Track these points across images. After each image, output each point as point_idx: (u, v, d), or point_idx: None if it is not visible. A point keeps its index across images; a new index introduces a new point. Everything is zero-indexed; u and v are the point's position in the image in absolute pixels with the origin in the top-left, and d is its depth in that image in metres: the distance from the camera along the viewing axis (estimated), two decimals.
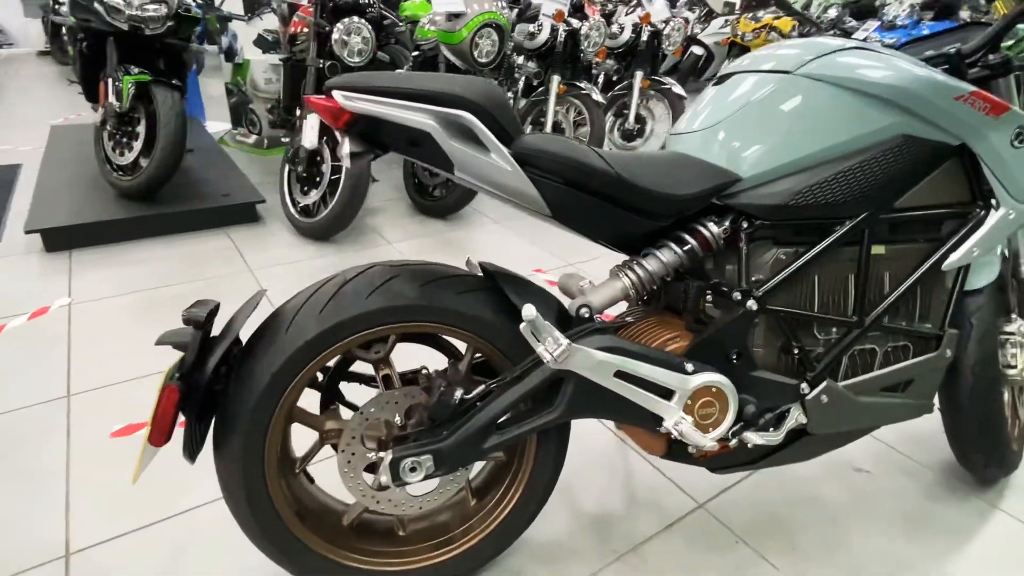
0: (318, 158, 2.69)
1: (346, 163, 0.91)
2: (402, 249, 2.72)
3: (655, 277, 1.04)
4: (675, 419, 1.02)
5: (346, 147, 0.88)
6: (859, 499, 1.43)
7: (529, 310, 0.89)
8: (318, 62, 2.66)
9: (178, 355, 0.90)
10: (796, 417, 1.11)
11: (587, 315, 1.00)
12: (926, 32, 5.80)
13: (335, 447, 1.05)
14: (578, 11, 3.55)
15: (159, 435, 0.88)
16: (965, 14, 6.22)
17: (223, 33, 3.82)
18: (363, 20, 2.61)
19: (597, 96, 3.31)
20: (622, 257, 2.85)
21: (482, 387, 0.99)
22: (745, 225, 1.04)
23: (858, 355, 1.15)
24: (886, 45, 1.34)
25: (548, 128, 3.38)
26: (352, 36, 2.60)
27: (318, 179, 2.69)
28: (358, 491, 1.03)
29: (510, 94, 3.82)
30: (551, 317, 0.99)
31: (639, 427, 1.06)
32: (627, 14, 3.83)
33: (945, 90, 1.01)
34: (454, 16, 2.86)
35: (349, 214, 2.61)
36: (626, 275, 1.04)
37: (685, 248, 1.03)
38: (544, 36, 3.55)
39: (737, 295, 1.03)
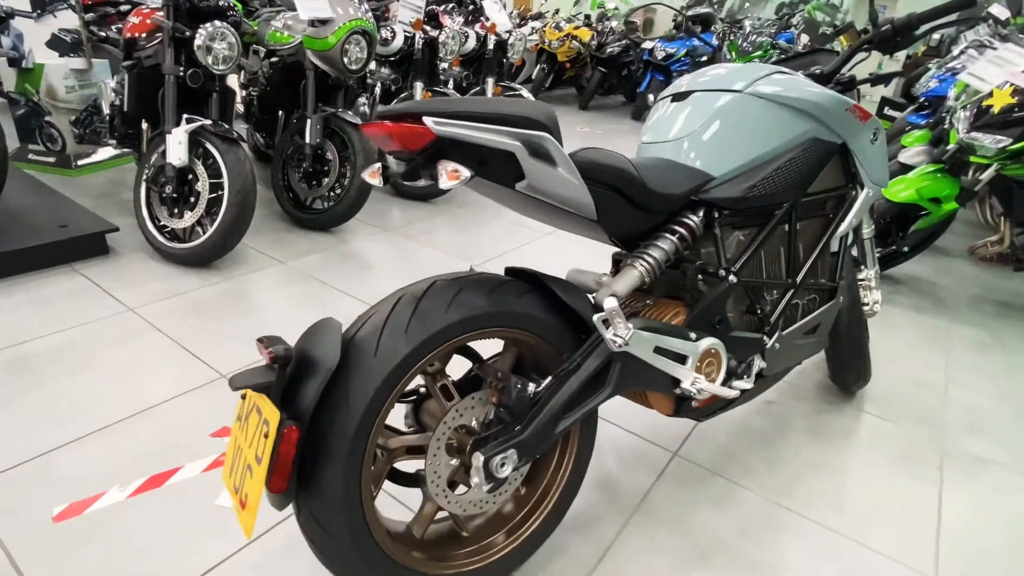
0: (190, 176, 2.42)
1: (446, 185, 0.92)
2: (299, 267, 2.58)
3: (660, 263, 1.23)
4: (691, 378, 1.23)
5: (464, 171, 0.91)
6: (776, 423, 1.81)
7: (612, 302, 1.03)
8: (177, 70, 2.39)
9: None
10: (758, 364, 1.40)
11: (609, 304, 1.15)
12: (697, 44, 6.87)
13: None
14: (432, 20, 3.62)
15: (282, 479, 0.84)
16: (718, 27, 7.55)
17: (3, 32, 3.17)
18: (227, 25, 2.40)
19: None
20: (507, 255, 3.02)
21: (549, 379, 1.09)
22: (716, 215, 1.29)
23: (790, 309, 1.47)
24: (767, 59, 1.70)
25: None
26: (217, 42, 2.39)
27: (192, 199, 2.43)
28: (443, 498, 1.07)
29: (364, 99, 3.75)
30: (586, 307, 1.13)
31: (661, 392, 1.25)
32: (473, 24, 3.99)
33: (841, 103, 1.36)
34: (319, 22, 2.77)
35: (237, 234, 2.41)
36: (640, 264, 1.21)
37: (677, 237, 1.24)
38: (399, 43, 3.56)
39: (721, 272, 1.27)
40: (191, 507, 1.34)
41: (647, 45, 6.75)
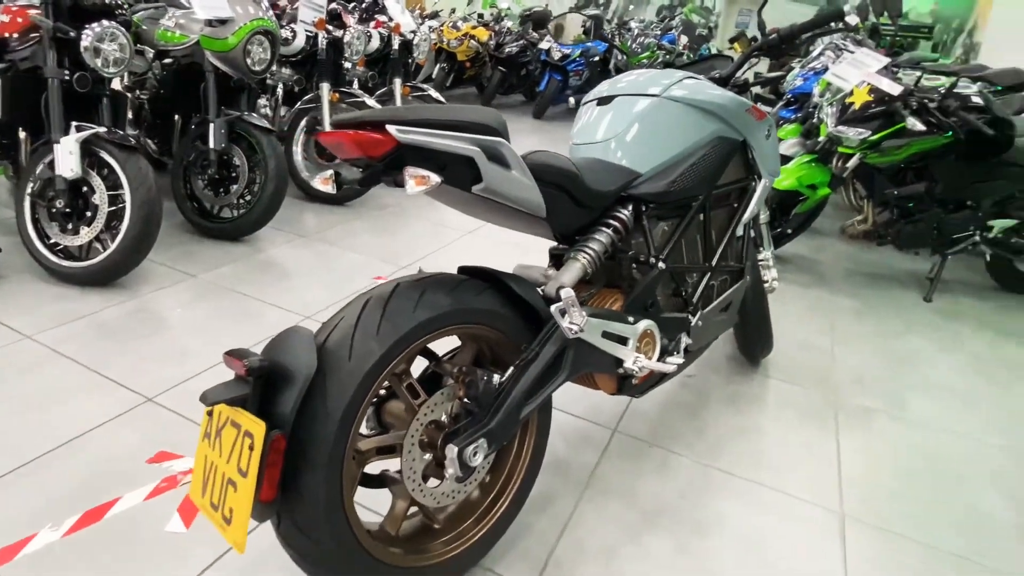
0: (84, 188, 2.24)
1: (414, 191, 0.94)
2: (213, 280, 2.46)
3: (600, 255, 1.33)
4: (633, 358, 1.34)
5: (433, 177, 0.95)
6: (698, 395, 1.99)
7: (568, 293, 1.11)
8: (62, 73, 2.19)
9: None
10: (685, 340, 1.54)
11: (566, 294, 1.24)
12: (591, 45, 7.14)
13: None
14: (335, 19, 3.53)
15: (271, 489, 0.84)
16: (607, 28, 7.89)
17: None
18: (116, 24, 2.24)
19: (372, 102, 3.40)
20: (433, 256, 3.04)
21: (511, 369, 1.15)
22: (644, 209, 1.41)
23: (708, 290, 1.63)
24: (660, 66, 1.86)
25: None
26: (107, 43, 2.21)
27: (88, 214, 2.24)
28: (420, 493, 1.10)
29: (266, 101, 3.60)
30: (538, 299, 1.21)
31: (606, 373, 1.36)
32: (368, 22, 3.93)
33: (741, 104, 1.53)
34: (218, 22, 2.64)
35: (143, 249, 2.25)
36: (583, 257, 1.30)
37: (612, 230, 1.35)
38: (300, 43, 3.46)
39: (651, 260, 1.40)
40: (139, 538, 1.27)
41: (544, 45, 6.96)
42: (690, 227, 1.52)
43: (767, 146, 1.70)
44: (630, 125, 1.42)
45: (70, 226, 2.26)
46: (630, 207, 1.39)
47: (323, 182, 1.10)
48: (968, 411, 2.04)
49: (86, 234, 2.24)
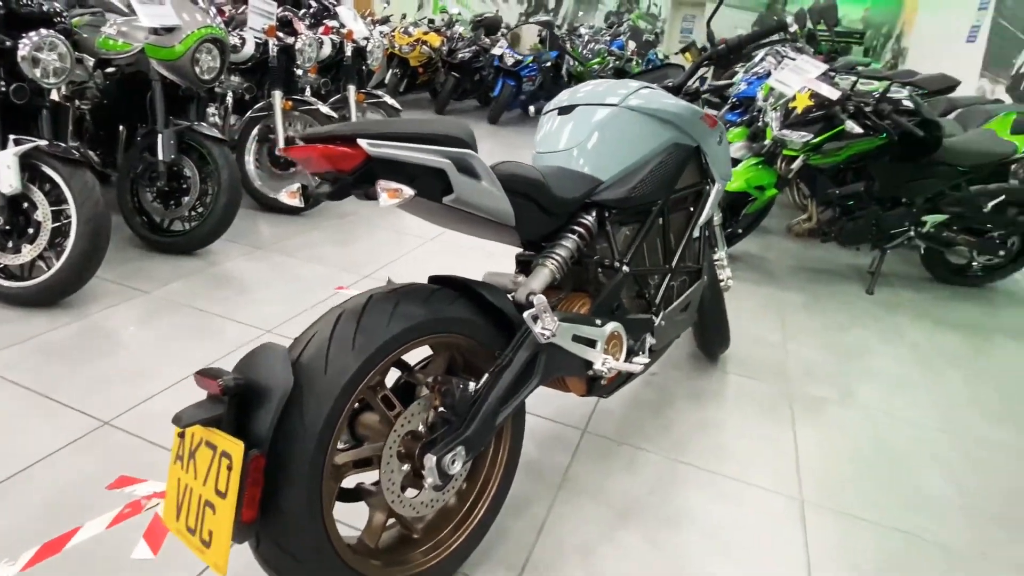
0: (25, 205, 2.13)
1: (387, 204, 0.95)
2: (167, 296, 2.38)
3: (567, 261, 1.37)
4: (602, 359, 1.38)
5: (406, 190, 0.95)
6: (660, 392, 2.05)
7: (541, 299, 1.13)
8: None
9: None
10: (650, 340, 1.59)
11: (538, 300, 1.27)
12: (547, 56, 7.21)
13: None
14: (286, 26, 3.47)
15: (252, 509, 0.83)
16: (559, 32, 8.00)
17: None
18: (56, 33, 2.15)
19: (326, 110, 3.35)
20: (395, 264, 3.02)
21: (486, 376, 1.17)
22: (607, 214, 1.45)
23: (669, 291, 1.69)
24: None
25: (281, 144, 3.28)
26: (46, 53, 2.12)
27: (31, 231, 2.14)
28: (399, 504, 1.11)
29: (215, 110, 3.51)
30: (509, 306, 1.23)
31: (577, 375, 1.39)
32: (316, 28, 3.87)
33: (695, 112, 1.59)
34: (164, 30, 2.56)
35: (91, 267, 2.16)
36: (551, 263, 1.33)
37: (577, 236, 1.39)
38: (249, 50, 3.38)
39: (616, 264, 1.44)
40: (103, 567, 1.23)
41: (496, 51, 7.00)
42: (651, 231, 1.58)
43: (719, 151, 1.77)
44: (591, 134, 1.46)
45: (11, 244, 2.15)
46: (594, 213, 1.43)
47: (290, 196, 1.09)
48: (910, 397, 2.17)
49: (28, 252, 2.14)
